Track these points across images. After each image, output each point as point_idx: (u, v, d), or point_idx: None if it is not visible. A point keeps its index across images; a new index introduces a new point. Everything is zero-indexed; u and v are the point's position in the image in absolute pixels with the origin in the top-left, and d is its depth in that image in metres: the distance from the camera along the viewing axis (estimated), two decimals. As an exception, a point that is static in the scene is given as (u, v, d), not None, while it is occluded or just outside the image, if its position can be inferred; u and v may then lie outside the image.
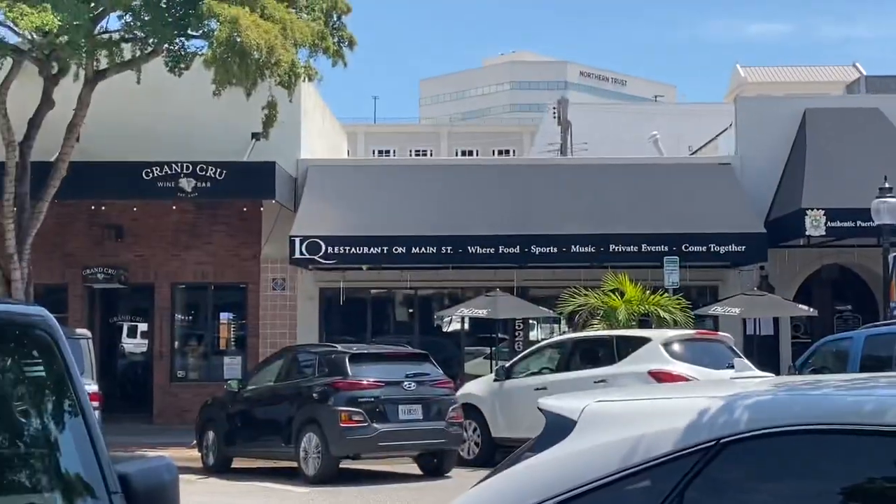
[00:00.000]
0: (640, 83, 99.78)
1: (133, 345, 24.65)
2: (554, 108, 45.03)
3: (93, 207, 20.52)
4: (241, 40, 14.31)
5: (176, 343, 21.54)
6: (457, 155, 70.85)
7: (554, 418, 2.89)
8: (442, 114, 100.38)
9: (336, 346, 14.85)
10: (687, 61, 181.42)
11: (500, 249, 19.07)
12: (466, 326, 21.56)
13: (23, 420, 3.12)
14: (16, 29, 15.38)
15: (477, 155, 72.41)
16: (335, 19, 17.59)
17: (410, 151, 70.01)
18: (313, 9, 17.13)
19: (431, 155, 72.03)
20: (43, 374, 3.19)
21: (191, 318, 22.15)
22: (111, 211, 20.75)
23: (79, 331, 14.94)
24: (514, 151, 68.62)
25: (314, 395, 13.88)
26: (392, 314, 22.26)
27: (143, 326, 23.67)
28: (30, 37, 16.02)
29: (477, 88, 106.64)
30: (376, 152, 71.09)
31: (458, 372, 20.58)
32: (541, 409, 3.03)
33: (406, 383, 13.84)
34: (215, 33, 14.78)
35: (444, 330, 22.14)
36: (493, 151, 70.58)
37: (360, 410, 13.43)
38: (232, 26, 14.43)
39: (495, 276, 20.23)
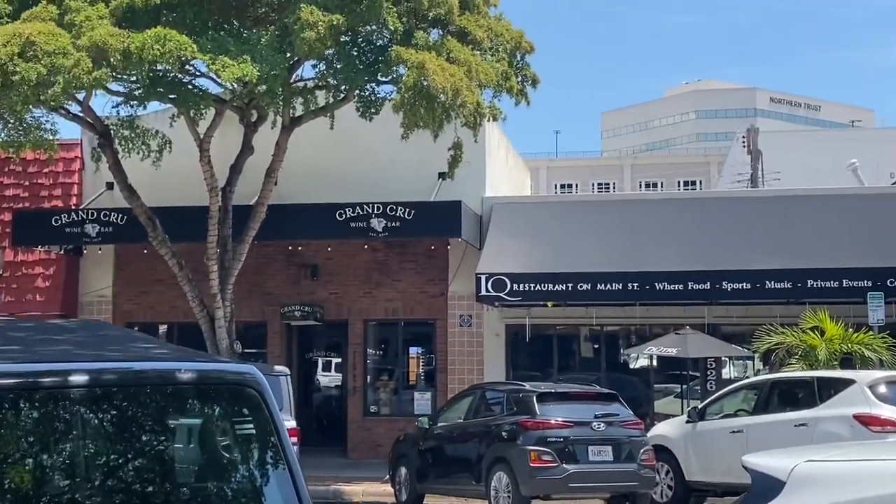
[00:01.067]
0: (836, 108, 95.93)
1: (328, 379, 25.44)
2: (743, 136, 43.77)
3: (290, 248, 21.27)
4: (428, 84, 14.57)
5: (368, 377, 21.99)
6: (640, 187, 69.98)
7: (760, 477, 2.76)
8: (625, 146, 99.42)
9: (524, 384, 14.80)
10: (886, 84, 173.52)
11: (690, 286, 18.63)
12: (655, 363, 21.15)
13: (234, 475, 3.23)
14: (218, 80, 16.17)
15: (661, 187, 71.33)
16: (519, 59, 17.67)
17: (593, 185, 69.66)
18: (497, 50, 17.26)
19: (614, 188, 71.41)
20: (252, 430, 3.29)
21: (382, 353, 22.59)
22: (307, 251, 21.46)
23: (277, 368, 15.44)
24: (700, 183, 67.15)
25: (503, 433, 13.85)
26: (578, 351, 22.05)
27: (336, 361, 24.38)
28: (231, 87, 16.84)
29: (660, 119, 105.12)
30: (558, 187, 71.09)
31: (648, 411, 20.18)
32: (746, 468, 2.90)
33: (595, 423, 13.65)
34: (403, 78, 15.11)
35: (632, 367, 21.78)
36: (679, 183, 69.38)
37: (550, 450, 13.31)
38: (419, 71, 14.71)
39: (685, 312, 19.76)
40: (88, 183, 21.72)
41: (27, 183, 21.62)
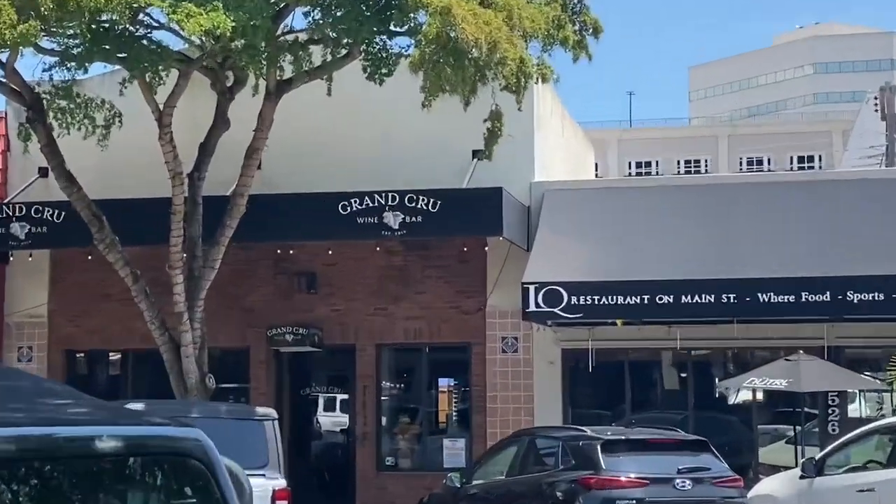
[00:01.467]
0: None
1: (331, 422, 25.43)
2: (875, 96, 43.45)
3: (278, 251, 21.26)
4: (456, 35, 14.50)
5: (383, 420, 21.98)
6: (741, 165, 69.69)
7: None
8: (720, 111, 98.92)
9: (584, 429, 14.81)
10: None
11: (804, 297, 18.45)
12: (759, 398, 20.93)
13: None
14: (181, 34, 16.17)
15: (769, 164, 71.00)
16: (575, 2, 17.58)
17: (678, 163, 69.45)
18: (549, -11, 17.20)
19: (707, 167, 71.14)
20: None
21: (401, 388, 22.55)
22: (301, 255, 21.42)
23: (261, 410, 15.44)
24: (819, 159, 66.83)
25: (558, 494, 13.91)
26: (658, 384, 21.93)
27: (342, 398, 24.36)
28: (199, 42, 16.85)
29: (767, 75, 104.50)
30: (632, 166, 70.99)
31: (750, 462, 19.94)
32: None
33: (679, 481, 13.70)
34: (423, 29, 15.04)
35: (730, 402, 21.61)
36: (791, 159, 69.09)
37: (619, 517, 13.35)
38: (444, 19, 14.64)
39: (797, 332, 19.61)
40: (16, 169, 21.83)
41: (-63, 169, 21.77)
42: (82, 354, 22.85)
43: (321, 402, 25.28)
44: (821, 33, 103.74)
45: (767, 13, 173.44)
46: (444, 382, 22.43)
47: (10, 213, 19.94)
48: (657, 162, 71.38)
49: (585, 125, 29.94)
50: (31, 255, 21.29)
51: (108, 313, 21.63)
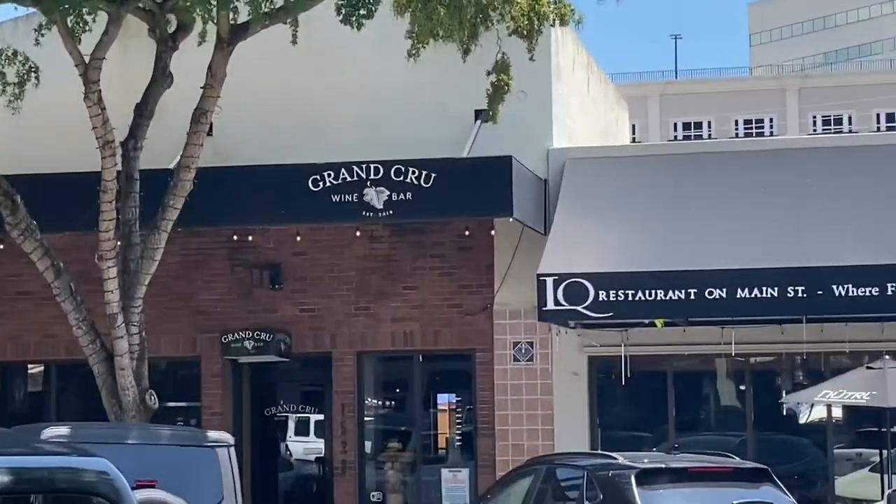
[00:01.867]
0: None
1: (303, 448, 25.48)
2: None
3: (235, 238, 21.34)
4: (452, -33, 14.56)
5: (367, 446, 22.05)
6: (815, 126, 69.71)
7: None
8: (789, 58, 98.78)
9: (615, 456, 14.82)
10: None
11: (890, 289, 18.51)
12: (837, 415, 20.98)
13: None
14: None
15: (849, 124, 71.00)
16: (601, -76, 17.63)
17: (736, 123, 69.49)
18: None
19: (773, 127, 71.17)
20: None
21: (389, 406, 22.60)
22: (263, 243, 21.55)
23: (214, 434, 15.53)
24: (916, 116, 66.68)
25: (583, 537, 13.93)
26: (709, 398, 21.99)
27: (316, 419, 24.40)
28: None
29: (846, 12, 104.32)
30: (679, 128, 70.97)
31: (825, 495, 19.96)
32: None
33: None
34: (410, -41, 15.10)
35: (800, 422, 21.64)
36: (877, 117, 69.14)
37: (658, 565, 13.45)
38: (437, -54, 14.70)
39: (883, 333, 19.68)
40: None
41: None
42: (-6, 367, 22.92)
43: (291, 424, 25.31)
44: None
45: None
46: (444, 399, 22.51)
47: None
48: (709, 122, 71.40)
49: (620, 78, 30.05)
50: (-75, 246, 21.38)
51: (25, 316, 21.73)
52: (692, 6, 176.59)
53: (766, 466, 14.77)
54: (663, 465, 14.42)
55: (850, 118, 70.77)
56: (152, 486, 14.28)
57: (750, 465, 15.02)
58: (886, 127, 67.50)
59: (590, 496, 14.24)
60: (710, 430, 21.65)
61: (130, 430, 15.99)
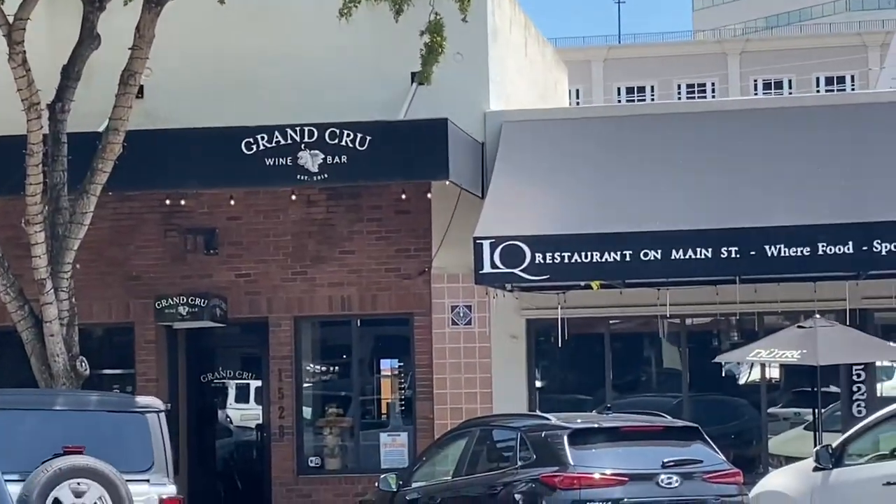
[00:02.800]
0: None
1: (240, 415, 25.37)
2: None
3: (167, 202, 21.18)
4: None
5: (306, 412, 21.92)
6: (755, 89, 69.88)
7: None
8: (731, 23, 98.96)
9: (548, 417, 14.85)
10: None
11: (821, 249, 18.52)
12: (774, 375, 21.06)
13: None
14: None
15: (790, 88, 71.21)
16: None
17: (679, 88, 69.53)
18: None
19: (714, 91, 71.29)
20: None
21: (327, 371, 22.47)
22: (196, 207, 21.41)
23: (143, 399, 15.36)
24: (852, 79, 67.07)
25: (516, 497, 13.89)
26: (647, 359, 22.02)
27: (254, 386, 24.28)
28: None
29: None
30: (622, 91, 71.00)
31: (759, 453, 20.00)
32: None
33: (664, 477, 13.74)
34: None
35: (739, 383, 21.69)
36: (817, 80, 69.36)
37: (591, 524, 13.39)
38: None
39: (815, 292, 19.69)
40: None
41: None
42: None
43: (229, 390, 25.19)
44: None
45: None
46: (387, 364, 22.45)
47: None
48: (652, 87, 71.50)
49: (563, 42, 29.88)
50: None
51: (-46, 283, 21.42)
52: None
53: (696, 425, 14.83)
54: (596, 426, 14.46)
55: (790, 82, 71.00)
56: (80, 453, 14.10)
57: (680, 423, 15.08)
58: (826, 90, 67.62)
59: (523, 456, 14.27)
60: (649, 392, 21.67)
61: (57, 397, 15.77)
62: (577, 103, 54.79)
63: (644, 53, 75.62)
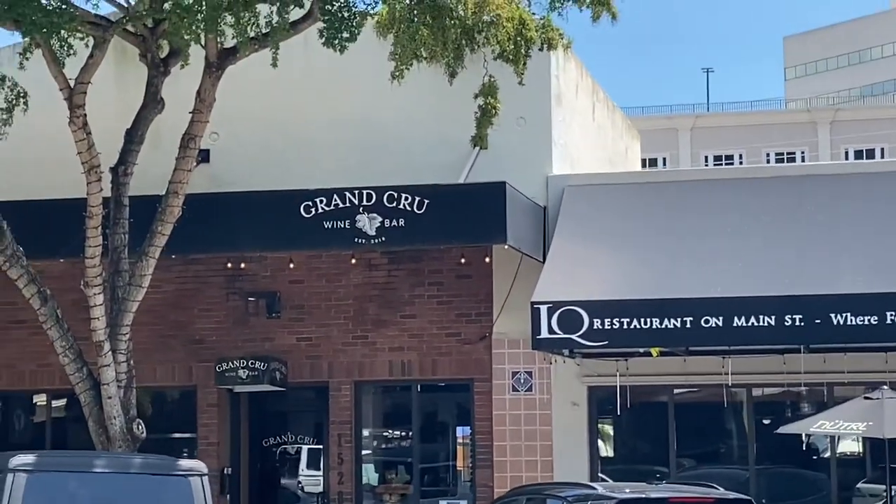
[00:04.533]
0: None
1: (304, 479, 25.29)
2: None
3: (230, 265, 21.27)
4: (433, -12, 14.38)
5: (364, 478, 21.84)
6: (846, 157, 69.21)
7: None
8: (824, 91, 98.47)
9: (595, 486, 14.65)
10: None
11: (890, 317, 18.20)
12: (856, 449, 20.86)
13: None
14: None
15: (883, 156, 70.44)
16: (593, -52, 17.40)
17: (768, 156, 69.01)
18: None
19: (804, 158, 70.67)
20: None
21: (386, 437, 22.38)
22: (259, 270, 21.50)
23: (187, 463, 15.28)
24: (942, 148, 66.26)
25: (562, 566, 13.74)
26: (713, 429, 21.65)
27: (315, 449, 24.19)
28: (125, 3, 16.79)
29: (881, 46, 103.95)
30: (711, 159, 70.54)
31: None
32: None
33: None
34: (394, -20, 14.93)
35: (819, 456, 21.28)
36: (905, 148, 68.57)
37: None
38: (418, -32, 14.52)
39: (886, 363, 19.43)
40: None
41: None
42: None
43: (304, 455, 25.09)
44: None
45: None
46: (440, 434, 22.42)
47: None
48: (741, 155, 71.05)
49: (651, 111, 29.68)
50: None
51: (20, 345, 21.71)
52: (726, 39, 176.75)
53: (749, 497, 14.55)
54: (643, 496, 14.20)
55: (882, 151, 70.32)
56: (119, 514, 14.09)
57: (733, 495, 14.73)
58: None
59: (570, 529, 14.07)
60: (715, 464, 21.28)
61: (100, 459, 15.74)
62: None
63: (733, 122, 75.32)
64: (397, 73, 15.63)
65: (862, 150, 72.18)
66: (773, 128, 74.26)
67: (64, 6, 16.31)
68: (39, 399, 22.90)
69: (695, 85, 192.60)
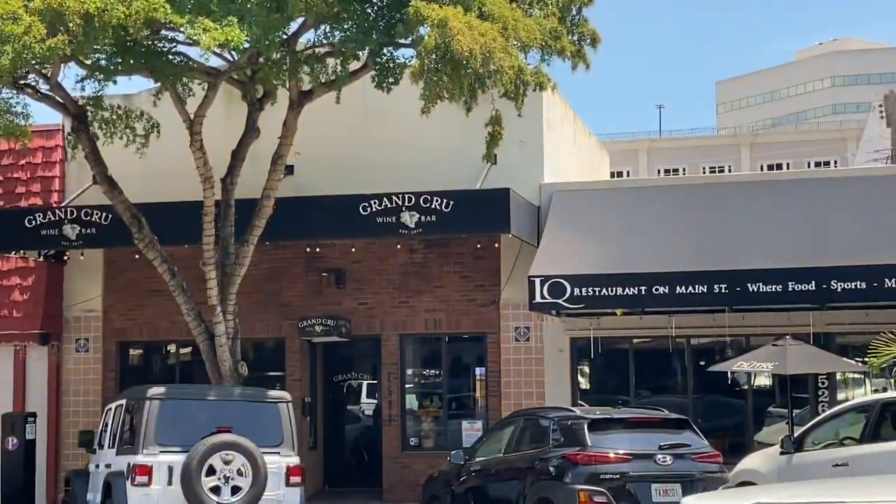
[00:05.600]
0: None
1: (365, 406, 25.23)
2: (880, 105, 42.60)
3: (308, 249, 21.16)
4: (451, 46, 14.20)
5: (407, 404, 21.74)
6: (761, 169, 68.58)
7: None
8: (746, 121, 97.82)
9: (573, 410, 14.60)
10: None
11: (791, 286, 18.02)
12: (767, 383, 20.57)
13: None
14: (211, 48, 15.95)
15: (787, 168, 69.81)
16: (573, 13, 17.22)
17: (703, 170, 68.42)
18: (546, 3, 16.86)
19: (730, 170, 70.09)
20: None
21: (423, 374, 22.36)
22: (330, 253, 21.34)
23: (272, 393, 15.28)
24: (834, 163, 65.59)
25: (549, 469, 13.69)
26: (662, 369, 21.43)
27: (370, 383, 24.13)
28: (231, 57, 16.74)
29: (789, 88, 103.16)
30: (661, 172, 70.01)
31: (751, 442, 19.55)
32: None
33: (661, 456, 13.46)
34: (424, 40, 14.78)
35: (742, 388, 21.14)
36: (808, 164, 67.89)
37: (603, 490, 13.16)
38: (441, 31, 14.36)
39: (789, 320, 19.18)
40: (73, 176, 21.82)
41: (0, 178, 21.77)
42: (135, 345, 22.77)
43: (364, 388, 25.01)
44: (839, 49, 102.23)
45: (789, 29, 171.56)
46: (462, 372, 22.18)
47: (63, 216, 19.93)
48: (684, 169, 70.53)
49: (617, 136, 29.55)
50: (82, 255, 21.31)
51: (157, 307, 21.62)
52: (673, 81, 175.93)
53: (686, 417, 14.50)
54: (609, 416, 14.14)
55: (787, 165, 69.64)
56: (229, 431, 14.08)
57: (674, 416, 14.69)
58: (811, 167, 66.44)
59: (555, 439, 14.03)
60: (665, 394, 21.11)
61: (213, 390, 15.77)
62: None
63: (678, 144, 74.71)
64: (426, 109, 15.50)
65: (773, 165, 71.57)
66: (708, 148, 73.70)
67: (185, 60, 16.34)
68: (170, 347, 22.85)
69: (650, 116, 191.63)
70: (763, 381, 20.74)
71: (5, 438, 19.66)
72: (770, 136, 78.71)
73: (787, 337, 17.56)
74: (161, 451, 13.93)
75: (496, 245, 20.56)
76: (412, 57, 16.00)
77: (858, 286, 17.79)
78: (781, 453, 14.70)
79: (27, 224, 19.88)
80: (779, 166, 69.78)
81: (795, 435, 15.02)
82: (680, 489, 13.10)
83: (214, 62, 17.30)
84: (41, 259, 21.30)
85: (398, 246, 20.89)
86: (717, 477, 13.62)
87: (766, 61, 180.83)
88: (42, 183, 21.81)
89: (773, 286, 18.09)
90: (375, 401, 23.04)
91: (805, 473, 14.08)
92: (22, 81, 16.81)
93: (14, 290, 21.47)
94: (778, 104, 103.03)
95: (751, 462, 15.30)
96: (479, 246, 20.70)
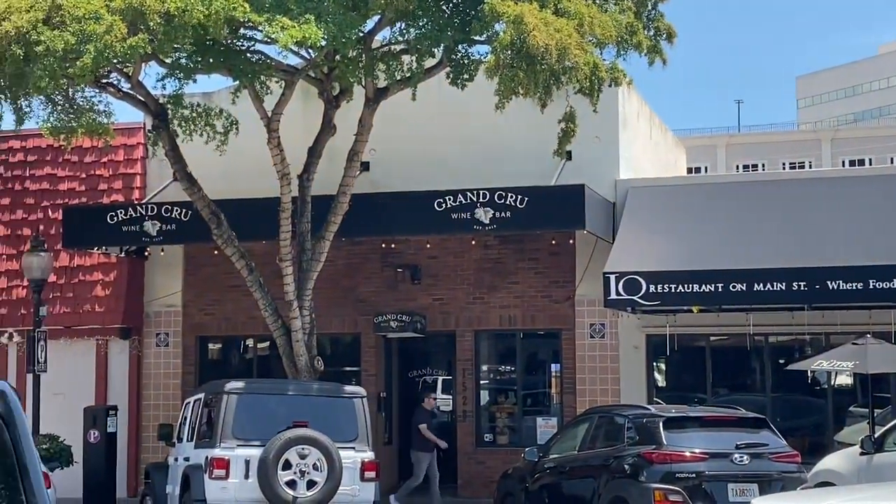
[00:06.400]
0: None
1: (440, 401, 25.23)
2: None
3: (383, 245, 21.22)
4: (527, 42, 14.17)
5: (481, 400, 21.74)
6: (843, 165, 67.48)
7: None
8: (826, 116, 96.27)
9: (649, 408, 14.50)
10: None
11: (872, 284, 17.71)
12: (848, 382, 20.28)
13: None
14: (287, 46, 16.10)
15: (870, 164, 68.63)
16: (649, 8, 17.11)
17: (783, 165, 67.51)
18: (621, -1, 16.77)
19: (811, 166, 69.07)
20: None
21: (498, 370, 22.32)
22: (405, 249, 21.36)
23: (348, 388, 15.36)
24: (912, 158, 64.30)
25: (623, 467, 13.63)
26: (740, 366, 21.15)
27: (445, 379, 24.14)
28: (308, 55, 16.87)
29: (871, 83, 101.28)
30: (740, 168, 69.17)
31: (829, 442, 19.27)
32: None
33: (737, 456, 13.32)
34: (499, 36, 14.78)
35: (822, 388, 20.82)
36: (892, 160, 66.61)
37: (679, 489, 13.05)
38: (517, 27, 14.35)
39: (870, 318, 18.86)
40: (153, 173, 22.12)
41: (83, 175, 22.17)
42: (214, 340, 23.03)
43: (439, 384, 25.02)
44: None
45: (872, 23, 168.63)
46: (536, 369, 22.13)
47: (144, 213, 20.23)
48: (763, 164, 69.65)
49: (695, 132, 29.20)
50: (162, 250, 21.62)
51: (235, 303, 21.81)
52: (753, 76, 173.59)
53: (763, 417, 14.29)
54: (685, 415, 14.00)
55: (870, 161, 68.46)
56: (305, 426, 14.18)
57: (751, 415, 14.50)
58: (893, 162, 65.23)
59: (630, 437, 13.93)
60: (741, 392, 20.87)
61: (289, 384, 15.90)
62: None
63: (757, 140, 73.70)
64: (500, 105, 15.49)
65: (855, 161, 70.35)
66: (788, 144, 72.59)
67: (263, 58, 16.50)
68: (248, 342, 23.07)
69: (729, 112, 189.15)
70: (844, 380, 20.41)
71: (87, 431, 20.01)
72: (852, 132, 77.27)
73: (868, 335, 17.25)
74: (238, 445, 14.08)
75: (571, 241, 20.45)
76: (486, 54, 15.99)
77: (941, 284, 17.42)
78: (861, 453, 14.50)
79: (109, 220, 20.20)
80: (861, 162, 68.58)
81: (876, 435, 14.80)
82: (757, 489, 12.98)
83: (292, 60, 17.48)
84: (123, 255, 21.65)
85: (473, 242, 20.86)
86: (796, 477, 13.44)
87: (848, 56, 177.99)
88: (123, 180, 22.16)
89: (854, 283, 17.81)
90: (450, 396, 23.07)
91: (886, 474, 13.88)
92: (104, 80, 17.11)
93: (96, 286, 21.84)
94: (860, 99, 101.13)
95: (830, 462, 15.09)
96: (553, 242, 20.60)
